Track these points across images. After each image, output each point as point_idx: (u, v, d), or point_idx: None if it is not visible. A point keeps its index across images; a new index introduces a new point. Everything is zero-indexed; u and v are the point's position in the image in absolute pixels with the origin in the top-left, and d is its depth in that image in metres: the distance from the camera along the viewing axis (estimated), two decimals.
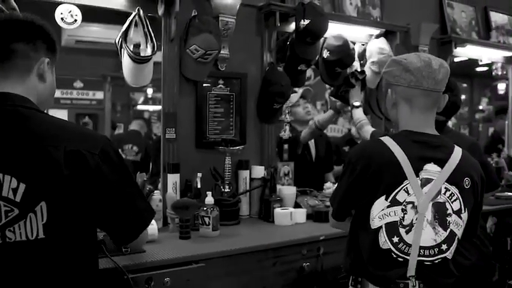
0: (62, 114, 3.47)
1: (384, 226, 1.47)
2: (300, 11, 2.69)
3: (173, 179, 2.44)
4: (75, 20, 2.25)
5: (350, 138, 3.47)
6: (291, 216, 2.50)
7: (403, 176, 1.47)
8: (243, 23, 2.71)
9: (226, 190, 2.50)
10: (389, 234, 1.47)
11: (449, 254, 1.52)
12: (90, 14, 2.39)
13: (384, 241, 1.47)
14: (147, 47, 2.38)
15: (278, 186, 2.69)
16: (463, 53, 3.94)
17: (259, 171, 2.70)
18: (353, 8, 3.23)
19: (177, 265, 1.82)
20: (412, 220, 1.47)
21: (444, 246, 1.50)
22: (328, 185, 3.02)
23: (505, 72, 4.56)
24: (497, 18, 4.35)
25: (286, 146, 2.88)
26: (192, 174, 2.49)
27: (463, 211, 1.53)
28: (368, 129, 2.58)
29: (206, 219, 2.19)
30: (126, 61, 2.31)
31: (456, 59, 4.08)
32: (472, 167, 1.58)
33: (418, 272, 1.47)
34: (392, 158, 1.48)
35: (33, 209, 1.17)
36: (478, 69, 4.52)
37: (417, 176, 1.48)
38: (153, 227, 2.09)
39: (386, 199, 1.47)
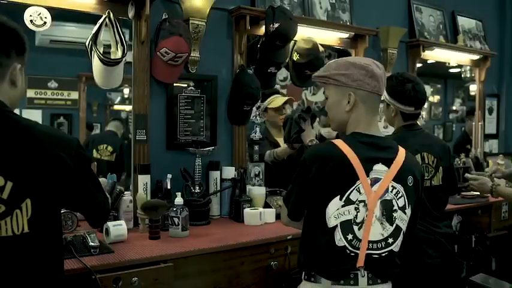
0: (36, 114, 3.44)
1: (339, 225, 1.54)
2: (270, 14, 2.74)
3: (144, 180, 2.47)
4: (45, 23, 2.25)
5: (321, 140, 3.52)
6: (260, 216, 2.55)
7: (355, 176, 1.54)
8: (213, 26, 2.75)
9: (196, 191, 2.53)
10: (344, 232, 1.54)
11: (395, 247, 1.61)
12: (65, 14, 2.41)
13: (339, 239, 1.54)
14: (117, 49, 2.40)
15: (248, 187, 2.73)
16: (431, 56, 4.05)
17: (229, 172, 2.74)
18: (323, 12, 3.29)
19: (145, 265, 1.85)
20: (364, 217, 1.55)
21: (391, 240, 1.59)
22: None
23: (473, 75, 4.68)
24: (464, 22, 4.48)
25: (256, 147, 2.92)
26: (163, 175, 2.51)
27: (407, 207, 1.62)
28: None
29: (175, 220, 2.23)
30: (96, 63, 2.33)
31: (430, 61, 4.20)
32: (414, 166, 1.69)
33: (366, 264, 1.55)
34: (345, 159, 1.54)
35: (19, 206, 1.28)
36: (452, 70, 4.62)
37: (367, 175, 1.55)
38: (122, 227, 2.12)
39: (340, 199, 1.53)
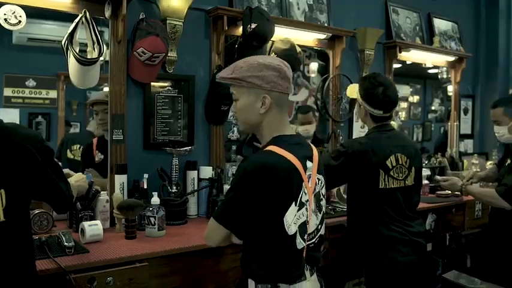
0: (13, 113, 3.39)
1: (298, 229, 1.57)
2: (247, 15, 2.76)
3: (120, 179, 2.47)
4: (20, 21, 2.24)
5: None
6: None
7: (301, 179, 1.58)
8: (191, 26, 2.77)
9: (173, 190, 2.54)
10: (301, 234, 1.58)
11: (322, 231, 1.73)
12: (43, 12, 2.39)
13: (299, 242, 1.58)
14: (94, 49, 2.39)
15: (226, 186, 2.74)
16: (408, 57, 4.12)
17: (207, 171, 2.75)
18: (300, 13, 3.33)
19: (120, 264, 1.85)
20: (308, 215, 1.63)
21: (320, 226, 1.71)
22: None
23: (449, 76, 4.76)
24: (440, 24, 4.56)
25: (234, 147, 2.94)
26: (140, 175, 2.52)
27: (325, 194, 1.77)
28: None
29: (152, 219, 2.23)
30: (72, 63, 2.31)
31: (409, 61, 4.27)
32: (320, 154, 1.76)
33: (306, 256, 1.63)
34: (290, 165, 1.55)
35: None
36: (430, 71, 4.69)
37: (305, 174, 1.60)
38: (98, 227, 2.12)
39: (295, 205, 1.55)
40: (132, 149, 2.60)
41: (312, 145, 1.73)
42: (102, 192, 2.38)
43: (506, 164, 2.86)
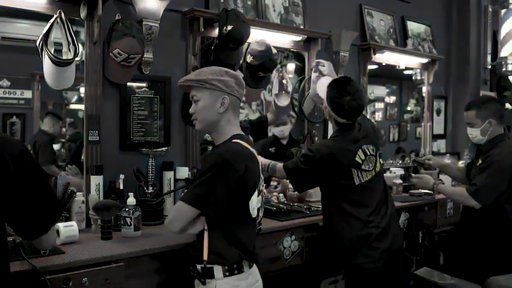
0: None
1: (257, 213, 1.87)
2: (223, 17, 2.78)
3: (96, 180, 2.47)
4: None
5: (274, 140, 3.60)
6: None
7: (260, 170, 1.92)
8: (167, 27, 2.78)
9: (149, 191, 2.55)
10: (257, 219, 1.91)
11: (261, 220, 2.01)
12: (18, 11, 2.37)
13: (258, 224, 1.94)
14: (69, 49, 2.38)
15: None
16: (382, 59, 4.19)
17: (183, 172, 2.76)
18: (276, 15, 3.37)
19: (96, 265, 1.86)
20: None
21: (261, 220, 2.01)
22: None
23: (423, 77, 4.86)
24: (413, 27, 4.66)
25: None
26: (116, 176, 2.52)
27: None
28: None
29: (128, 220, 2.24)
30: (47, 64, 2.30)
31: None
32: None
33: None
34: (255, 157, 1.87)
35: None
36: (406, 72, 4.76)
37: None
38: (73, 228, 2.12)
39: (257, 191, 1.86)
40: (108, 149, 2.60)
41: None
42: (78, 193, 2.38)
43: (478, 164, 2.92)
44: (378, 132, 2.70)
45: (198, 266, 1.81)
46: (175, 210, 1.84)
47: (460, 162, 4.56)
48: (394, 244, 2.43)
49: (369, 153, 2.45)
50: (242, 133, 1.91)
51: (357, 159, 2.40)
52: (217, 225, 1.79)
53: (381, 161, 2.59)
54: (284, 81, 3.52)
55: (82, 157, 2.58)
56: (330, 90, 2.46)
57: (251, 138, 2.01)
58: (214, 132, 1.90)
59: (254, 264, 1.89)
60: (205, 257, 1.78)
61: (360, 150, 2.42)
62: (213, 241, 1.79)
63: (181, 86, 1.95)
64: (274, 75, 3.46)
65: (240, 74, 1.95)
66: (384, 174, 3.77)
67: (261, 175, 1.94)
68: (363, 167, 2.41)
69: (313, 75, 3.13)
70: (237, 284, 1.79)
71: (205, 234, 1.80)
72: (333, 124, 2.53)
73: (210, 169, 1.74)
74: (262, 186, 1.97)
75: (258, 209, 1.89)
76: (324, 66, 3.08)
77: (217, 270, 1.77)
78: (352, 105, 2.38)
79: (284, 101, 3.50)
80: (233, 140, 1.83)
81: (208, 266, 1.78)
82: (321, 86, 2.75)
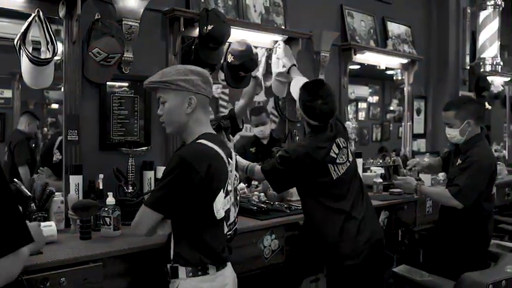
0: None
1: (224, 214, 1.79)
2: (204, 17, 2.79)
3: (75, 180, 2.45)
4: None
5: (255, 140, 3.61)
6: None
7: (227, 170, 1.82)
8: (147, 27, 2.77)
9: (129, 191, 2.55)
10: (226, 220, 1.82)
11: (237, 225, 1.95)
12: None
13: (225, 227, 1.82)
14: (48, 49, 2.37)
15: None
16: (362, 59, 4.23)
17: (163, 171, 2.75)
18: (257, 15, 3.38)
19: (74, 265, 1.85)
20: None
21: (236, 220, 1.93)
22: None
23: (403, 77, 4.92)
24: (393, 27, 4.71)
25: None
26: (96, 176, 2.51)
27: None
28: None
29: (107, 220, 2.23)
30: (25, 63, 2.28)
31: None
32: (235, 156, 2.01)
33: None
34: (220, 156, 1.79)
35: None
36: (388, 72, 4.83)
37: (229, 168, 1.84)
38: (52, 228, 2.10)
39: (223, 192, 1.78)
40: (88, 149, 2.59)
41: (229, 146, 2.01)
42: (56, 193, 2.37)
43: (457, 164, 2.97)
44: (347, 130, 2.78)
45: (168, 266, 1.81)
46: (139, 214, 1.79)
47: (436, 158, 4.62)
48: (373, 234, 2.48)
49: (341, 146, 2.52)
50: (212, 132, 1.87)
51: (332, 154, 2.46)
52: (181, 227, 1.78)
53: (352, 151, 2.68)
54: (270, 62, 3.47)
55: (54, 158, 2.57)
56: (302, 93, 2.50)
57: (223, 139, 2.02)
58: (184, 133, 1.86)
59: (226, 267, 1.84)
60: (171, 257, 1.79)
61: (334, 144, 2.48)
62: (176, 243, 1.78)
63: (147, 88, 1.91)
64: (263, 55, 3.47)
65: (206, 72, 1.86)
66: (365, 174, 3.85)
67: (233, 174, 1.87)
68: (337, 160, 2.47)
69: (273, 57, 3.31)
70: (200, 286, 1.76)
71: (172, 235, 1.81)
72: (306, 126, 2.58)
73: (170, 172, 1.71)
74: (234, 185, 1.89)
75: (228, 210, 1.81)
76: (280, 47, 3.27)
77: (181, 270, 1.75)
78: (324, 109, 2.44)
79: (268, 82, 3.50)
80: (197, 141, 1.78)
81: (174, 265, 1.78)
82: (294, 88, 2.79)
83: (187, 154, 1.73)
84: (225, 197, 1.78)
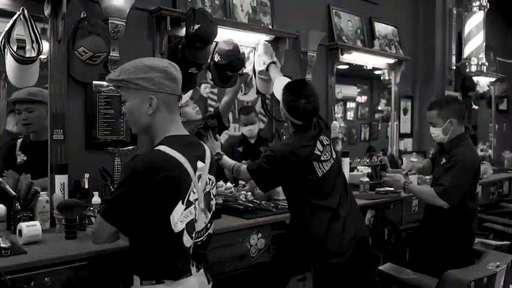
0: None
1: (185, 227, 1.63)
2: (190, 16, 2.78)
3: (61, 180, 2.43)
4: None
5: (243, 139, 3.62)
6: None
7: (190, 178, 1.64)
8: (134, 26, 2.77)
9: None
10: (189, 232, 1.65)
11: (211, 230, 1.81)
12: None
13: (186, 239, 1.64)
14: (33, 47, 2.35)
15: None
16: (350, 59, 4.25)
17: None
18: (244, 15, 3.39)
19: (58, 264, 1.85)
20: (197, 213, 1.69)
21: (209, 225, 1.79)
22: (220, 183, 3.15)
23: (390, 77, 4.96)
24: (380, 28, 4.75)
25: None
26: (82, 175, 2.50)
27: (215, 193, 1.84)
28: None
29: (93, 219, 2.22)
30: (9, 61, 2.27)
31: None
32: (212, 155, 1.86)
33: (193, 253, 1.71)
34: (179, 164, 1.61)
35: None
36: (377, 72, 4.86)
37: (195, 174, 1.67)
38: (36, 228, 2.09)
39: (182, 203, 1.61)
40: (74, 148, 2.58)
41: (205, 145, 1.81)
42: (42, 193, 2.35)
43: (442, 163, 3.00)
44: (329, 128, 2.81)
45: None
46: (95, 224, 1.71)
47: (426, 160, 4.67)
48: (358, 231, 2.51)
49: (325, 144, 2.55)
50: (179, 133, 1.72)
51: (316, 151, 2.48)
52: (135, 240, 1.68)
53: (335, 148, 2.71)
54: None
55: (18, 159, 2.55)
56: (285, 93, 2.53)
57: (194, 139, 1.81)
58: (150, 135, 1.73)
59: (190, 276, 1.68)
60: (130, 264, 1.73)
61: (318, 142, 2.51)
62: (131, 253, 1.70)
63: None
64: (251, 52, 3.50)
65: (171, 66, 1.71)
66: (351, 173, 3.88)
67: (203, 178, 1.72)
68: (322, 158, 2.50)
69: (255, 55, 3.34)
70: None
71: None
72: (290, 125, 2.60)
73: (121, 183, 1.61)
74: (205, 190, 1.74)
75: (191, 221, 1.65)
76: (260, 45, 3.32)
77: (136, 278, 1.66)
78: (307, 108, 2.46)
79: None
80: (157, 147, 1.64)
81: (129, 274, 1.70)
82: (278, 88, 2.80)
83: (139, 165, 1.59)
84: (185, 209, 1.62)
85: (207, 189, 1.75)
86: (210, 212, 1.78)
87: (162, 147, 1.62)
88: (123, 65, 1.72)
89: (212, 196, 1.79)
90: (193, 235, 1.67)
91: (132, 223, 1.61)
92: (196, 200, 1.67)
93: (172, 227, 1.59)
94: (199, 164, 1.70)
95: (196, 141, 1.79)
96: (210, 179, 1.76)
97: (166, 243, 1.61)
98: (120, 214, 1.61)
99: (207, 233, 1.77)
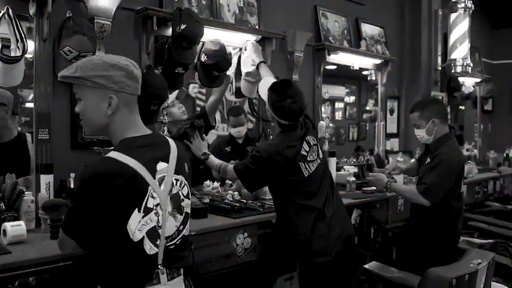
0: None
1: (145, 235, 1.52)
2: (177, 16, 2.79)
3: (46, 179, 2.43)
4: None
5: (231, 139, 3.63)
6: None
7: (146, 184, 1.52)
8: (120, 25, 2.77)
9: None
10: (152, 240, 1.54)
11: (185, 232, 1.69)
12: None
13: (149, 247, 1.54)
14: (17, 47, 2.34)
15: None
16: (336, 59, 4.28)
17: None
18: (231, 15, 3.40)
19: (43, 264, 1.84)
20: (162, 218, 1.57)
21: (181, 227, 1.66)
22: (207, 183, 3.16)
23: (377, 78, 5.00)
24: (367, 28, 4.79)
25: None
26: (67, 175, 2.50)
27: (190, 193, 1.72)
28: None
29: None
30: None
31: None
32: (186, 153, 1.76)
33: (164, 259, 1.59)
34: (131, 171, 1.49)
35: None
36: (365, 72, 4.90)
37: (154, 178, 1.55)
38: (21, 228, 2.09)
39: (139, 211, 1.50)
40: (59, 148, 2.57)
41: (172, 145, 1.68)
42: (26, 193, 2.34)
43: (426, 163, 3.03)
44: (316, 128, 2.84)
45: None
46: (60, 234, 1.64)
47: (412, 160, 4.71)
48: (344, 229, 2.53)
49: (312, 144, 2.56)
50: (138, 134, 1.61)
51: (302, 152, 2.50)
52: (95, 249, 1.60)
53: (321, 148, 2.71)
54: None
55: None
56: (271, 94, 2.54)
57: (157, 139, 1.68)
58: (108, 136, 1.64)
59: (158, 284, 1.58)
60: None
61: (304, 142, 2.52)
62: (93, 262, 1.63)
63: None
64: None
65: (131, 64, 1.61)
66: (338, 172, 3.91)
67: (169, 180, 1.60)
68: (308, 158, 2.51)
69: (242, 56, 3.35)
70: None
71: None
72: (276, 125, 2.61)
73: (75, 193, 1.55)
74: (171, 192, 1.61)
75: (154, 229, 1.54)
76: (248, 45, 3.33)
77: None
78: (293, 108, 2.48)
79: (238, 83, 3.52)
80: (108, 154, 1.53)
81: (94, 283, 1.65)
82: (263, 89, 2.82)
83: (87, 175, 1.49)
84: (143, 216, 1.50)
85: (174, 191, 1.62)
86: (181, 215, 1.65)
87: (113, 154, 1.51)
88: (79, 61, 1.62)
89: (183, 197, 1.66)
90: (159, 242, 1.55)
91: (91, 235, 1.53)
92: (157, 205, 1.54)
93: (131, 236, 1.49)
94: (160, 165, 1.57)
95: (159, 141, 1.66)
96: (177, 180, 1.63)
97: (126, 253, 1.51)
98: (77, 226, 1.53)
99: (180, 236, 1.65)
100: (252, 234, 2.62)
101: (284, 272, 3.24)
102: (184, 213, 1.67)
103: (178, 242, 1.65)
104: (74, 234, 1.55)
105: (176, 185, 1.63)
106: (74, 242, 1.57)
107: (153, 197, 1.53)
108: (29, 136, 2.63)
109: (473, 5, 5.42)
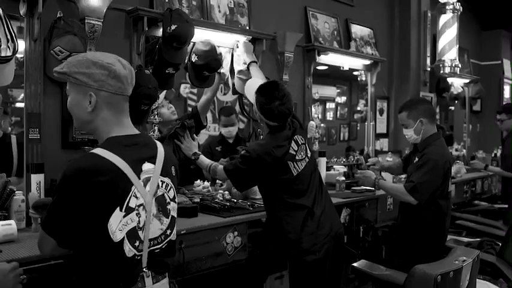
0: None
1: (125, 236, 1.49)
2: (168, 17, 2.81)
3: (37, 179, 2.44)
4: None
5: (221, 139, 3.65)
6: None
7: (130, 183, 1.50)
8: (111, 26, 2.78)
9: None
10: (131, 241, 1.51)
11: (173, 236, 1.67)
12: None
13: (128, 250, 1.50)
14: (8, 46, 2.34)
15: None
16: (326, 60, 4.32)
17: None
18: (221, 16, 3.42)
19: (34, 263, 1.86)
20: (145, 220, 1.54)
21: (168, 231, 1.63)
22: (198, 182, 3.18)
23: (367, 78, 5.04)
24: (357, 29, 4.83)
25: None
26: (58, 174, 2.49)
27: (176, 196, 1.69)
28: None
29: None
30: None
31: None
32: (173, 156, 1.76)
33: (149, 263, 1.57)
34: (115, 168, 1.48)
35: None
36: (356, 73, 4.94)
37: (139, 178, 1.53)
38: (11, 227, 2.10)
39: (121, 210, 1.47)
40: (50, 148, 2.59)
41: (160, 148, 1.66)
42: (17, 192, 2.35)
43: (414, 162, 3.07)
44: (303, 127, 2.86)
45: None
46: (39, 234, 1.59)
47: (397, 160, 4.75)
48: (333, 227, 2.56)
49: (300, 143, 2.60)
50: (125, 134, 1.59)
51: (291, 151, 2.53)
52: (75, 250, 1.57)
53: (310, 147, 2.74)
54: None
55: None
56: (258, 96, 2.56)
57: (144, 139, 1.65)
58: (93, 134, 1.63)
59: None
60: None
61: (293, 141, 2.56)
62: (74, 264, 1.60)
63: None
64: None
65: (118, 63, 1.57)
66: (328, 172, 3.94)
67: (155, 181, 1.58)
68: (297, 157, 2.55)
69: (234, 54, 3.39)
70: None
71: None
72: (265, 126, 2.66)
73: (56, 189, 1.52)
74: (157, 194, 1.58)
75: (134, 229, 1.50)
76: (240, 44, 3.36)
77: None
78: (281, 110, 2.50)
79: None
80: (93, 150, 1.51)
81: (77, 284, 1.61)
82: (249, 90, 2.84)
83: (69, 170, 1.47)
84: (124, 216, 1.47)
85: (159, 193, 1.59)
86: (167, 218, 1.62)
87: (98, 150, 1.50)
88: (69, 58, 1.63)
89: (169, 200, 1.63)
90: (138, 243, 1.52)
91: (70, 232, 1.49)
92: (140, 205, 1.52)
93: (111, 236, 1.45)
94: (146, 166, 1.56)
95: (147, 142, 1.64)
96: (163, 182, 1.61)
97: (106, 253, 1.48)
98: (58, 224, 1.50)
99: (167, 240, 1.62)
100: (242, 233, 2.65)
101: (274, 270, 3.26)
102: (170, 217, 1.64)
103: (164, 246, 1.62)
104: (53, 231, 1.51)
105: (162, 187, 1.60)
106: (54, 241, 1.52)
107: (136, 197, 1.51)
108: (14, 138, 2.64)
109: (461, 7, 5.48)
